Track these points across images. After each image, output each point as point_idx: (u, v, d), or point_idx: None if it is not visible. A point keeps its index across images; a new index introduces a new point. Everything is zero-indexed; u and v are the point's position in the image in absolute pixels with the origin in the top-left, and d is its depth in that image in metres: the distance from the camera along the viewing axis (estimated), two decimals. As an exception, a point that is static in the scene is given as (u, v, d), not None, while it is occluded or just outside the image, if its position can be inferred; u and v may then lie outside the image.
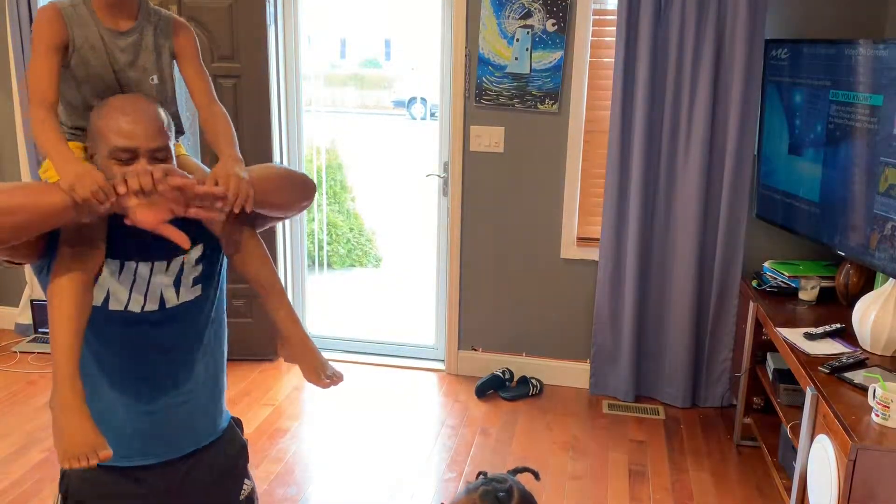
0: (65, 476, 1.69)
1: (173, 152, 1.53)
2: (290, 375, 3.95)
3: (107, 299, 1.55)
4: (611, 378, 3.79)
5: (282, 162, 3.94)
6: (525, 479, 1.67)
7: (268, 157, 3.80)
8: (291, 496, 2.93)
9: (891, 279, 2.58)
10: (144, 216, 1.41)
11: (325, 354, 1.69)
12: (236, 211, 1.47)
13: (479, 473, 1.66)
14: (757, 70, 3.32)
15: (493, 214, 3.82)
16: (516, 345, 3.97)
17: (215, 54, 3.71)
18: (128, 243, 1.51)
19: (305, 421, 3.53)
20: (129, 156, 1.43)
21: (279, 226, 4.00)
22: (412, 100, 12.14)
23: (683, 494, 2.99)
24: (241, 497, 1.84)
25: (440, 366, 4.11)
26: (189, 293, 1.63)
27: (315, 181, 1.70)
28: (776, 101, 3.33)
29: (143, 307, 1.58)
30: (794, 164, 3.21)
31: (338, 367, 1.68)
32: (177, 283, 1.61)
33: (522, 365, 3.95)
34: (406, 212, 7.66)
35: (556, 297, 3.86)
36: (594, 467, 3.18)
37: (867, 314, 2.57)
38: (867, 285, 2.97)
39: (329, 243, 6.35)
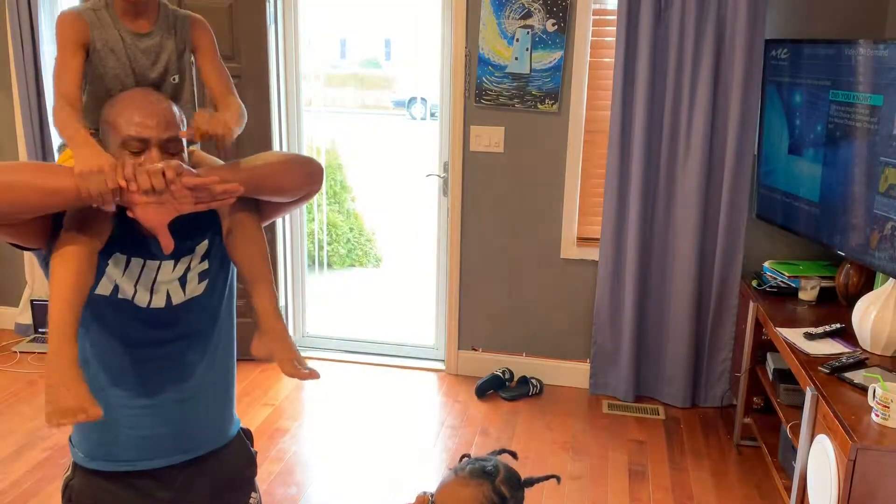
0: (68, 486, 1.68)
1: (185, 145, 1.53)
2: (290, 375, 3.95)
3: (115, 290, 1.55)
4: (611, 378, 3.79)
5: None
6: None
7: (268, 157, 3.80)
8: (291, 496, 2.93)
9: (891, 279, 2.58)
10: (149, 215, 1.40)
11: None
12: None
13: (463, 456, 1.68)
14: (757, 70, 3.32)
15: (493, 214, 3.82)
16: (516, 345, 3.97)
17: (215, 54, 3.70)
18: (136, 240, 1.51)
19: (305, 421, 3.53)
20: (141, 146, 1.43)
21: (279, 226, 4.00)
22: (412, 100, 12.14)
23: (683, 494, 2.99)
24: None
25: (440, 366, 4.11)
26: (195, 289, 1.62)
27: (322, 165, 1.68)
28: (776, 101, 3.33)
29: (149, 303, 1.58)
30: (794, 164, 3.21)
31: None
32: (182, 281, 1.60)
33: (522, 365, 3.95)
34: (406, 212, 7.66)
35: (556, 297, 3.86)
36: (594, 467, 3.18)
37: (867, 314, 2.57)
38: (867, 285, 2.97)
39: (329, 243, 6.35)
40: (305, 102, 4.06)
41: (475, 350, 4.02)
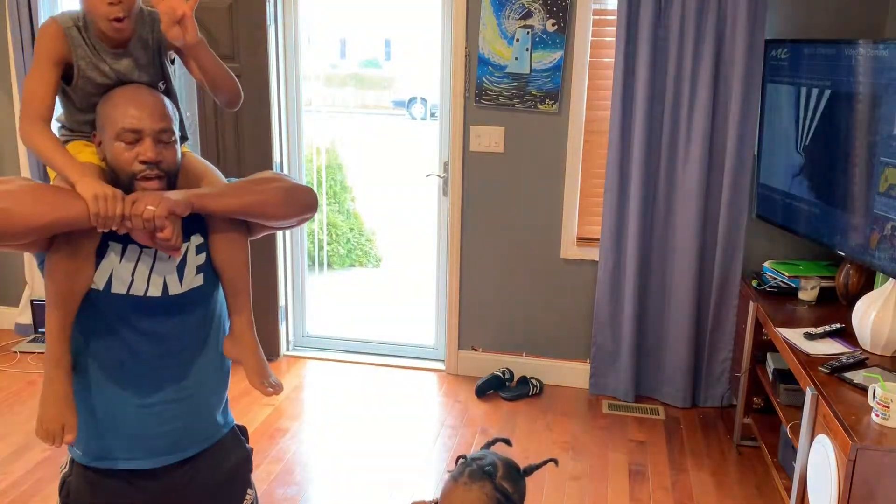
0: (65, 483, 1.70)
1: (177, 136, 1.57)
2: (291, 376, 3.95)
3: (109, 283, 1.56)
4: (611, 378, 3.79)
5: (282, 162, 3.94)
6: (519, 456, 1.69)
7: (268, 157, 3.80)
8: (291, 496, 2.93)
9: (891, 279, 2.58)
10: (143, 239, 1.51)
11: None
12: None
13: (458, 458, 1.67)
14: (757, 70, 3.32)
15: (493, 214, 3.82)
16: (516, 345, 3.97)
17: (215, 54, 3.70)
18: None
19: (305, 421, 3.53)
20: (135, 137, 1.50)
21: (279, 226, 3.99)
22: (412, 100, 12.12)
23: (683, 494, 2.99)
24: None
25: (440, 366, 4.11)
26: (192, 282, 1.64)
27: (317, 194, 1.73)
28: (776, 101, 3.33)
29: (146, 291, 1.59)
30: (794, 164, 3.21)
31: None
32: (180, 271, 1.62)
33: (522, 365, 3.95)
34: (406, 212, 7.65)
35: (556, 297, 3.86)
36: (594, 467, 3.18)
37: (867, 314, 2.57)
38: (867, 285, 2.97)
39: (329, 243, 6.35)
40: (305, 102, 4.06)
41: (475, 350, 4.02)
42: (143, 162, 1.49)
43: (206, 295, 1.67)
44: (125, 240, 1.56)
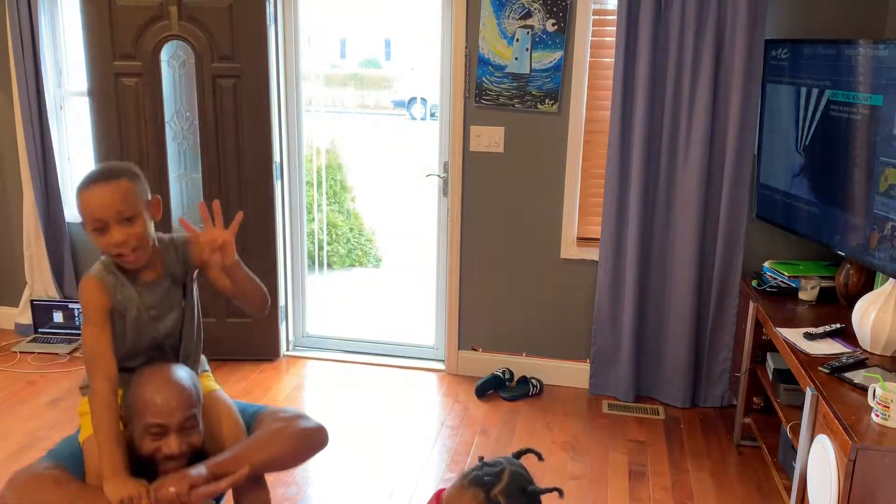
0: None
1: (199, 419, 1.77)
2: (290, 376, 3.95)
3: None
4: (611, 378, 3.79)
5: (282, 162, 3.95)
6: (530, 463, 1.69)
7: (268, 157, 3.79)
8: (291, 496, 2.93)
9: (891, 279, 2.58)
10: None
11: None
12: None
13: (480, 458, 1.68)
14: (757, 70, 3.32)
15: (493, 214, 3.82)
16: (516, 345, 3.97)
17: (215, 54, 3.70)
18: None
19: (305, 421, 3.53)
20: (160, 430, 1.69)
21: (279, 225, 4.00)
22: (412, 100, 12.12)
23: (683, 494, 2.99)
24: None
25: (440, 366, 4.11)
26: None
27: (327, 430, 1.98)
28: (776, 101, 3.33)
29: None
30: (793, 164, 3.21)
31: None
32: None
33: (522, 365, 3.95)
34: (406, 212, 7.65)
35: (556, 297, 3.86)
36: (594, 467, 3.18)
37: (867, 314, 2.57)
38: (867, 285, 2.97)
39: (329, 243, 6.35)
40: (305, 102, 4.06)
41: (475, 350, 4.02)
42: (167, 456, 1.69)
43: None
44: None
